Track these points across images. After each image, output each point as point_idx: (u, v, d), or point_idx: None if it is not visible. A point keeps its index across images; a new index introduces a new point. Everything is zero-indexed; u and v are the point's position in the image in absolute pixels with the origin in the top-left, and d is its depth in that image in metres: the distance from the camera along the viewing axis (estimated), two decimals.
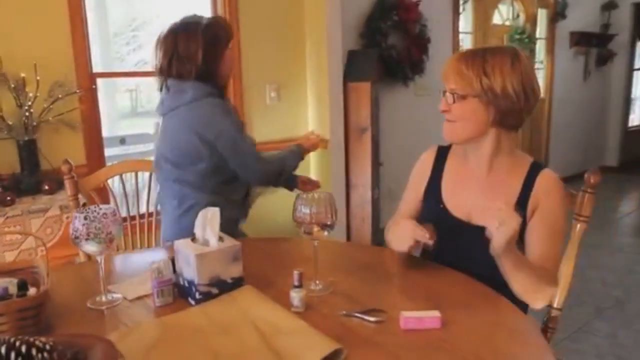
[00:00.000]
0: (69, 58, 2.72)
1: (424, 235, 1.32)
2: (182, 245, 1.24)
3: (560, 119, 6.00)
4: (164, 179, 1.95)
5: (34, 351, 0.79)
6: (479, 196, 1.45)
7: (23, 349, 0.79)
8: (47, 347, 0.80)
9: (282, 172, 2.03)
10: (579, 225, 1.49)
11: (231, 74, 1.99)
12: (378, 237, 4.05)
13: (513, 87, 1.33)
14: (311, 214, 1.24)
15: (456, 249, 1.45)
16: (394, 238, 1.43)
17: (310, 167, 3.76)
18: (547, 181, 1.42)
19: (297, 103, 3.63)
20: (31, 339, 0.81)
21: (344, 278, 1.39)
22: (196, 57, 1.82)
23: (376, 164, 3.94)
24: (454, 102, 1.38)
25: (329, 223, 1.25)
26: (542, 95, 5.55)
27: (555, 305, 1.49)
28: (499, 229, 1.16)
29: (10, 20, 2.55)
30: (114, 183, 2.17)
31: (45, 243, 2.03)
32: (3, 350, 0.78)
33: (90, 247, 1.17)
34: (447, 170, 1.56)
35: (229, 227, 1.77)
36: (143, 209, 2.14)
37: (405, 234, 1.36)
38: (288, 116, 3.59)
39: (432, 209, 1.53)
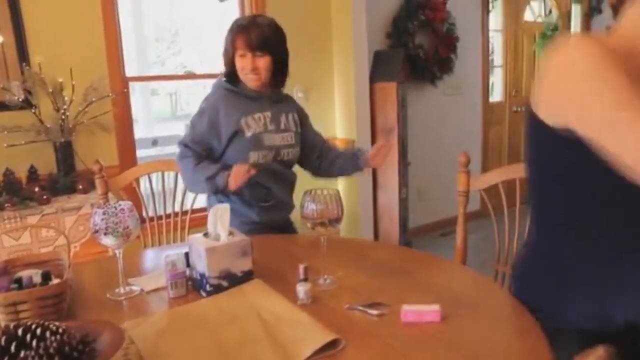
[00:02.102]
0: (103, 63, 2.85)
1: None
2: (195, 240, 1.30)
3: None
4: None
5: (47, 333, 0.86)
6: None
7: (38, 331, 0.86)
8: (60, 330, 0.87)
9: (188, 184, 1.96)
10: None
11: (245, 78, 1.89)
12: (406, 237, 4.06)
13: None
14: (317, 210, 1.28)
15: None
16: None
17: None
18: None
19: (324, 103, 3.68)
20: (46, 323, 0.88)
21: (353, 273, 1.43)
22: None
23: (404, 163, 3.95)
24: None
25: (335, 219, 1.29)
26: None
27: None
28: None
29: (48, 28, 2.69)
30: (146, 183, 2.26)
31: (78, 239, 2.16)
32: (20, 332, 0.85)
33: (109, 241, 1.24)
34: None
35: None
36: (171, 208, 2.21)
37: None
38: (315, 117, 3.58)
39: None
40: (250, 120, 1.89)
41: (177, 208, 2.18)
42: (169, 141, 4.31)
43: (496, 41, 4.94)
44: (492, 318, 1.16)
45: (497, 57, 5.00)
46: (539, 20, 5.19)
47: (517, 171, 1.76)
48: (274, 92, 1.98)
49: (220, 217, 1.29)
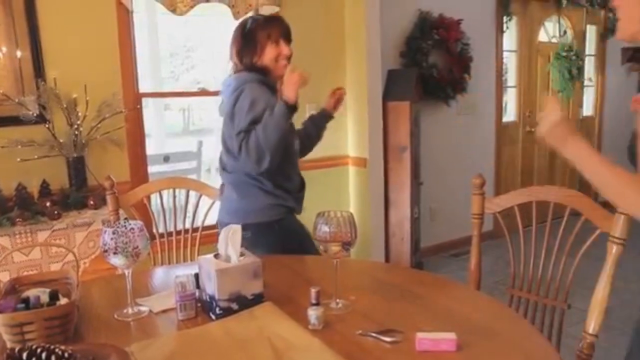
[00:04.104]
0: (117, 79, 2.86)
1: None
2: (205, 261, 1.28)
3: (611, 138, 5.77)
4: (226, 172, 2.02)
5: (53, 358, 0.83)
6: None
7: (43, 355, 0.83)
8: (66, 354, 0.85)
9: (270, 146, 1.76)
10: (614, 248, 1.45)
11: (275, 64, 1.96)
12: (417, 256, 4.01)
13: None
14: (331, 232, 1.25)
15: None
16: None
17: (350, 185, 3.78)
18: None
19: (336, 122, 3.61)
20: (52, 347, 0.86)
21: (365, 297, 1.40)
22: (232, 53, 1.99)
23: (416, 183, 3.92)
24: None
25: (348, 242, 1.26)
26: (591, 113, 5.29)
27: (590, 331, 1.44)
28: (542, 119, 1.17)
29: (65, 45, 2.71)
30: (157, 199, 2.25)
31: (88, 255, 2.14)
32: (24, 356, 0.83)
33: (118, 261, 1.23)
34: None
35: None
36: (182, 225, 2.19)
37: None
38: (327, 135, 3.58)
39: None
40: None
41: (187, 225, 2.16)
42: (181, 157, 4.31)
43: (510, 61, 4.92)
44: (509, 347, 1.12)
45: (511, 78, 4.98)
46: (554, 40, 5.16)
47: (533, 194, 1.72)
48: None
49: (231, 237, 1.27)
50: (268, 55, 1.94)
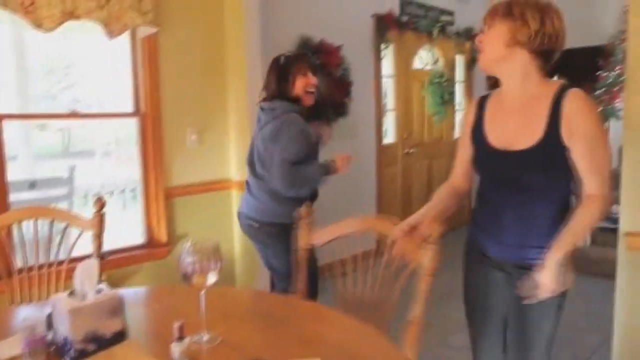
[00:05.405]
0: None
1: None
2: (58, 300, 1.19)
3: None
4: (262, 181, 2.54)
5: None
6: (513, 122, 1.58)
7: None
8: None
9: (303, 185, 2.53)
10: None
11: (304, 94, 2.50)
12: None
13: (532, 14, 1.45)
14: (195, 263, 1.23)
15: (500, 176, 1.63)
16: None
17: (233, 210, 3.73)
18: (573, 100, 1.48)
19: (218, 146, 3.61)
20: None
21: (236, 327, 1.38)
22: (270, 83, 2.50)
23: None
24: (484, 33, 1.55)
25: (212, 272, 1.24)
26: None
27: None
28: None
29: None
30: (19, 230, 2.08)
31: None
32: None
33: None
34: (487, 111, 1.69)
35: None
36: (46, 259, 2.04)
37: None
38: (209, 159, 3.55)
39: (479, 145, 1.68)
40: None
41: (53, 258, 2.01)
42: (50, 184, 3.96)
43: (389, 86, 5.18)
44: None
45: (390, 101, 5.24)
46: (427, 67, 5.54)
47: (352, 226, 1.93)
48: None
49: (87, 273, 1.20)
50: (299, 86, 2.46)
